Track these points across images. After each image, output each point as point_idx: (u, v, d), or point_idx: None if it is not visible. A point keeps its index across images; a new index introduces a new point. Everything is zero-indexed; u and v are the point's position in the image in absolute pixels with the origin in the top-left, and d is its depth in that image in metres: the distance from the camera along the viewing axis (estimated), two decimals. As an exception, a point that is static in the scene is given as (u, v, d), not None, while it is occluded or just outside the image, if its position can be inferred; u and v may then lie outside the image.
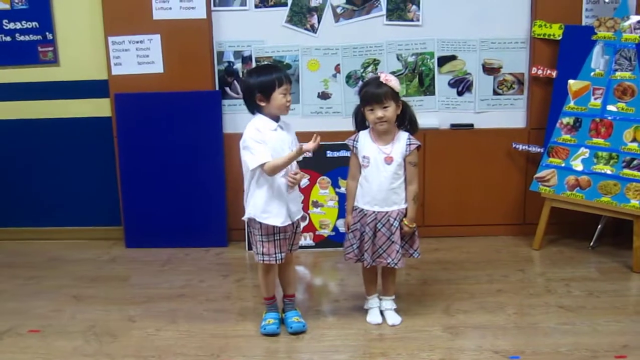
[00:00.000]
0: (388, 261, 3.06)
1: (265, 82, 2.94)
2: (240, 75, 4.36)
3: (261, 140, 2.92)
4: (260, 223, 3.01)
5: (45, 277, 4.00)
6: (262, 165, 2.91)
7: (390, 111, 2.96)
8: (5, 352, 3.01)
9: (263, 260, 3.05)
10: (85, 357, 2.95)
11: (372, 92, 2.95)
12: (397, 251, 3.04)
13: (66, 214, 4.70)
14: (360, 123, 3.12)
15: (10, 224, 4.74)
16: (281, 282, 3.26)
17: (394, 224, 3.03)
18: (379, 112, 2.95)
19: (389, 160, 3.01)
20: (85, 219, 4.70)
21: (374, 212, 3.04)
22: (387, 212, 3.04)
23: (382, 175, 3.02)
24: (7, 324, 3.31)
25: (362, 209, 3.07)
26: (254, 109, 3.02)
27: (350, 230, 3.12)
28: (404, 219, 3.04)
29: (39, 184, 4.65)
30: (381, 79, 2.98)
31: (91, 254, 4.41)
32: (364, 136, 3.07)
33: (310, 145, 2.90)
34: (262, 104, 2.97)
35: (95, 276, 3.99)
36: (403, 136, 3.05)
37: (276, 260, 3.04)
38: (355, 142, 3.08)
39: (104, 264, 4.22)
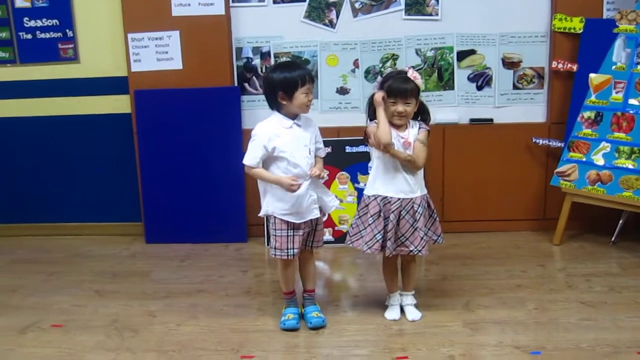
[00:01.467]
0: (411, 249, 3.04)
1: (288, 81, 2.94)
2: (259, 71, 4.37)
3: (263, 146, 2.96)
4: (275, 218, 3.03)
5: (67, 272, 4.04)
6: (246, 166, 3.01)
7: (411, 108, 2.97)
8: (28, 347, 3.04)
9: (275, 255, 3.07)
10: (107, 351, 2.97)
11: (399, 86, 2.94)
12: (422, 237, 3.03)
13: (86, 210, 4.74)
14: (374, 112, 3.11)
15: (32, 220, 4.80)
16: (301, 277, 3.27)
17: (418, 210, 3.03)
18: (401, 107, 2.95)
19: (407, 144, 3.01)
20: (106, 215, 4.74)
21: (399, 199, 3.02)
22: (411, 199, 3.03)
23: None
24: (30, 318, 3.35)
25: (386, 197, 3.04)
26: (272, 105, 3.03)
27: (372, 221, 3.05)
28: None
29: (60, 181, 4.70)
30: (409, 75, 2.97)
31: (112, 249, 4.45)
32: None
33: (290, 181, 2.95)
34: (284, 102, 2.97)
35: (116, 271, 4.02)
36: (415, 123, 3.08)
37: (288, 255, 3.04)
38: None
39: (125, 260, 4.25)
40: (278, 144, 2.96)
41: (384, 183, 3.05)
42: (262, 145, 2.96)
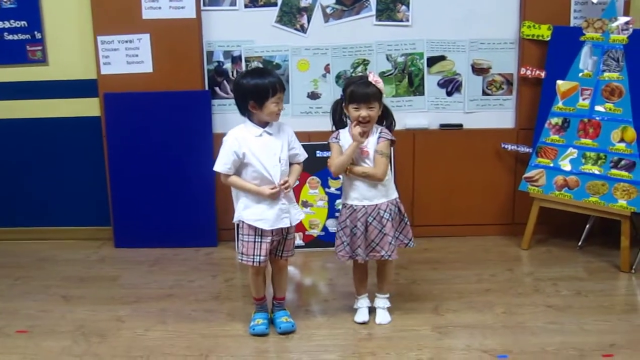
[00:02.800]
0: (382, 254, 3.07)
1: (259, 90, 2.93)
2: (230, 75, 4.36)
3: (234, 152, 2.95)
4: (243, 223, 3.02)
5: (34, 277, 3.99)
6: (219, 174, 3.01)
7: (375, 112, 3.00)
8: (-7, 353, 3.00)
9: (242, 260, 3.06)
10: (74, 357, 2.94)
11: (361, 91, 2.96)
12: (390, 242, 3.06)
13: (55, 213, 4.68)
14: (339, 120, 3.14)
15: (-2, 224, 4.73)
16: (273, 285, 3.26)
17: (384, 216, 3.05)
18: (364, 112, 2.96)
19: (365, 154, 3.04)
20: (74, 219, 4.69)
21: (363, 206, 3.05)
22: (376, 205, 3.05)
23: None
24: (-5, 324, 3.30)
25: (352, 205, 3.07)
26: (244, 112, 3.03)
27: (340, 228, 3.11)
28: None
29: (27, 184, 4.63)
30: (370, 79, 2.99)
31: (80, 254, 4.39)
32: (345, 134, 3.09)
33: (270, 191, 2.97)
34: (254, 111, 2.97)
35: (84, 276, 3.97)
36: (376, 130, 3.09)
37: (254, 262, 3.03)
38: (337, 140, 3.09)
39: (93, 264, 4.20)
40: (248, 151, 2.96)
41: (350, 191, 3.09)
42: (232, 152, 2.95)
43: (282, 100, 3.00)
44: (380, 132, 3.07)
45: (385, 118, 3.13)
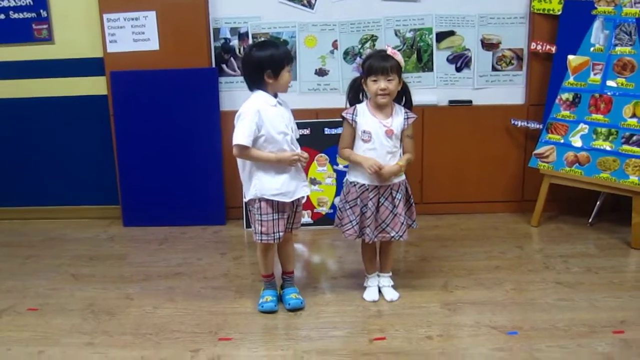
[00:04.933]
0: (392, 234, 3.05)
1: (275, 59, 2.91)
2: (237, 52, 4.33)
3: (255, 122, 2.89)
4: (261, 202, 2.99)
5: (44, 255, 4.00)
6: (241, 147, 2.90)
7: (394, 84, 2.94)
8: (4, 331, 3.01)
9: (261, 240, 3.03)
10: (83, 334, 2.94)
11: (379, 63, 2.92)
12: (402, 223, 3.04)
13: (63, 193, 4.69)
14: (354, 97, 3.10)
15: (8, 203, 4.74)
16: (280, 259, 3.26)
17: (397, 196, 3.03)
18: (383, 83, 2.91)
19: (389, 133, 2.99)
20: (83, 198, 4.70)
21: (376, 186, 3.02)
22: (389, 186, 3.03)
23: (385, 149, 3.00)
24: (6, 302, 3.31)
25: (364, 184, 3.03)
26: (255, 85, 2.98)
27: (349, 207, 3.09)
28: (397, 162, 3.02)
29: (36, 163, 4.64)
30: (388, 52, 2.95)
31: (89, 232, 4.41)
32: (363, 109, 3.03)
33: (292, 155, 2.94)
34: (270, 80, 2.94)
35: (93, 255, 3.98)
36: (400, 110, 3.05)
37: (274, 239, 3.02)
38: (354, 116, 3.02)
39: (102, 243, 4.22)
40: (267, 121, 2.92)
41: (362, 170, 3.03)
42: (254, 122, 2.89)
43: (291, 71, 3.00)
44: (407, 113, 3.04)
45: (405, 95, 3.08)
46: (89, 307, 3.23)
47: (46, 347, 2.84)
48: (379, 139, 2.99)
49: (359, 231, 3.09)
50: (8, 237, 4.39)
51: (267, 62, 2.91)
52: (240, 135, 2.90)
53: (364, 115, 3.01)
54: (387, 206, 3.04)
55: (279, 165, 2.95)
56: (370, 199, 3.03)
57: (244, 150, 2.92)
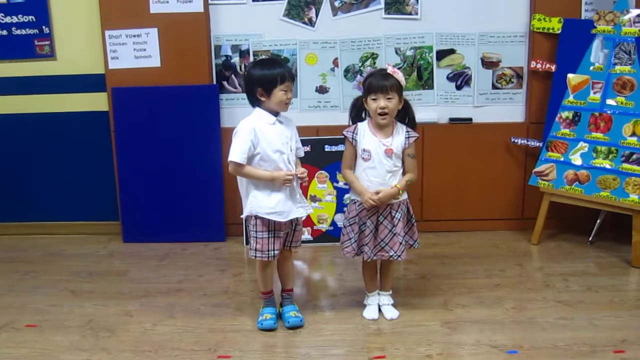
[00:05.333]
0: (390, 254, 3.04)
1: (267, 77, 2.92)
2: (238, 69, 4.35)
3: (250, 140, 2.91)
4: (256, 219, 2.99)
5: (43, 271, 3.99)
6: (235, 164, 2.93)
7: (394, 103, 2.94)
8: (2, 347, 2.99)
9: (255, 257, 3.04)
10: (82, 351, 2.93)
11: (378, 82, 2.93)
12: (400, 243, 3.04)
13: (63, 208, 4.69)
14: (356, 116, 3.11)
15: (7, 218, 4.73)
16: (280, 277, 3.25)
17: (396, 215, 3.03)
18: (382, 102, 2.92)
19: (389, 152, 2.99)
20: (83, 214, 4.69)
21: (375, 205, 3.02)
22: (388, 205, 3.03)
23: (384, 168, 3.00)
24: (4, 318, 3.29)
25: (362, 203, 3.04)
26: (254, 102, 3.01)
27: (348, 224, 3.10)
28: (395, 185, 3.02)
29: (36, 179, 4.64)
30: (388, 71, 2.96)
31: (89, 248, 4.40)
32: (363, 128, 3.03)
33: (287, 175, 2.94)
34: (263, 98, 2.96)
35: (93, 271, 3.97)
36: (402, 128, 3.05)
37: (269, 257, 3.02)
38: (354, 135, 3.03)
39: (102, 259, 4.21)
40: (263, 140, 2.93)
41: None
42: (248, 140, 2.91)
43: (291, 89, 2.98)
44: (408, 132, 3.04)
45: (407, 114, 3.08)
46: (88, 323, 3.22)
47: (44, 364, 2.83)
48: (378, 157, 2.99)
49: (357, 249, 3.09)
50: (7, 253, 4.38)
51: (259, 81, 2.93)
52: (234, 153, 2.93)
53: (364, 134, 3.02)
54: (386, 225, 3.03)
55: (274, 184, 2.96)
56: (369, 218, 3.03)
57: (238, 167, 2.94)
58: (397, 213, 3.03)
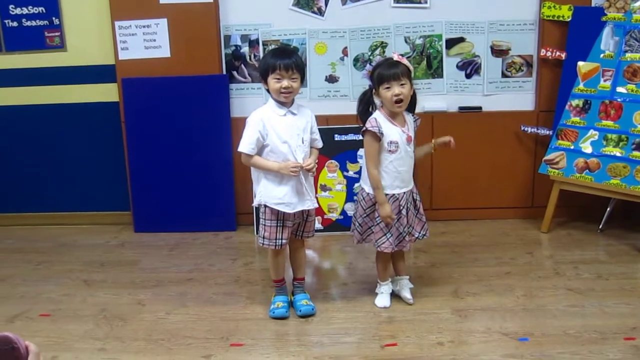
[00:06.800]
0: (415, 235, 3.13)
1: (261, 66, 3.01)
2: (248, 59, 4.35)
3: (258, 131, 2.94)
4: (266, 208, 3.02)
5: (55, 261, 4.03)
6: (244, 155, 2.97)
7: (407, 89, 2.94)
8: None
9: (263, 244, 3.07)
10: (96, 340, 2.96)
11: (388, 70, 2.93)
12: (424, 222, 3.15)
13: (75, 199, 4.72)
14: (364, 110, 3.09)
15: (19, 209, 4.77)
16: (292, 265, 3.28)
17: (417, 198, 3.11)
18: (397, 89, 2.91)
19: (409, 139, 3.02)
20: (94, 204, 4.72)
21: (404, 193, 3.05)
22: (410, 190, 3.09)
23: (408, 155, 3.03)
24: (19, 308, 3.34)
25: (394, 194, 3.02)
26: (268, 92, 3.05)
27: (379, 221, 3.06)
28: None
29: (47, 170, 4.67)
30: (395, 59, 2.97)
31: (100, 238, 4.43)
32: (382, 120, 3.00)
33: (292, 166, 2.94)
34: (265, 86, 3.00)
35: (105, 261, 4.01)
36: (407, 114, 3.09)
37: (276, 246, 3.05)
38: (380, 128, 2.97)
39: (113, 249, 4.24)
40: (272, 131, 2.95)
41: (391, 180, 3.02)
42: (257, 131, 2.94)
43: (290, 78, 2.92)
44: (414, 116, 3.12)
45: (411, 99, 3.07)
46: (101, 312, 3.25)
47: (59, 353, 2.86)
48: (403, 146, 3.00)
49: (395, 243, 3.07)
50: (20, 243, 4.42)
51: (259, 70, 3.01)
52: (242, 143, 2.98)
53: (386, 126, 2.99)
54: (412, 210, 3.10)
55: (282, 175, 2.97)
56: (403, 207, 3.04)
57: (247, 158, 2.98)
58: (417, 195, 3.11)
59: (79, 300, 3.43)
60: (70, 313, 3.27)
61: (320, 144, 3.14)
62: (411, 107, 3.10)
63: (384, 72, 2.94)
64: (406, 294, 3.21)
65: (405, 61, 2.97)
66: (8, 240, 4.48)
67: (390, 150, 3.00)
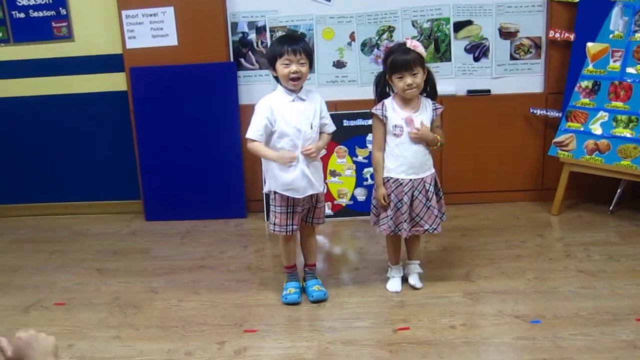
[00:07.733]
0: (425, 227, 3.07)
1: (269, 53, 3.01)
2: (255, 46, 4.35)
3: (266, 117, 2.94)
4: (275, 194, 3.04)
5: (68, 251, 4.06)
6: (249, 140, 2.98)
7: (420, 77, 2.94)
8: (33, 325, 3.01)
9: (274, 231, 3.09)
10: (111, 328, 3.00)
11: (401, 59, 2.91)
12: (436, 216, 3.07)
13: (85, 188, 4.74)
14: (381, 92, 3.10)
15: (31, 200, 4.80)
16: (303, 252, 3.29)
17: (430, 189, 3.05)
18: (409, 79, 2.91)
19: (409, 121, 3.00)
20: (105, 194, 4.75)
21: (410, 180, 3.02)
22: (422, 179, 3.04)
23: (412, 141, 3.01)
24: (34, 297, 3.37)
25: (397, 179, 3.03)
26: (276, 79, 3.05)
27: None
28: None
29: (58, 160, 4.69)
30: (408, 45, 2.95)
31: (112, 227, 4.46)
32: (391, 104, 3.03)
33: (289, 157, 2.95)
34: (274, 73, 2.99)
35: (117, 249, 4.04)
36: (427, 102, 3.06)
37: (287, 232, 3.07)
38: (384, 112, 3.01)
39: (125, 237, 4.27)
40: (280, 117, 2.96)
41: (395, 163, 3.04)
42: (264, 117, 2.94)
43: (297, 62, 2.91)
44: (434, 105, 3.06)
45: (428, 82, 3.06)
46: (114, 301, 3.28)
47: (75, 341, 2.89)
48: (406, 130, 2.99)
49: (394, 226, 3.09)
50: (33, 233, 4.45)
51: (266, 57, 3.02)
52: (249, 130, 2.99)
53: (393, 110, 3.01)
54: (420, 199, 3.05)
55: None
56: (405, 194, 3.03)
57: (252, 144, 2.99)
58: (431, 186, 3.05)
59: (92, 288, 3.46)
60: (85, 302, 3.30)
61: (330, 129, 3.13)
62: (432, 92, 3.09)
63: (396, 61, 2.92)
64: (412, 280, 3.22)
65: (419, 48, 2.95)
66: (20, 230, 4.52)
67: (395, 134, 3.01)
